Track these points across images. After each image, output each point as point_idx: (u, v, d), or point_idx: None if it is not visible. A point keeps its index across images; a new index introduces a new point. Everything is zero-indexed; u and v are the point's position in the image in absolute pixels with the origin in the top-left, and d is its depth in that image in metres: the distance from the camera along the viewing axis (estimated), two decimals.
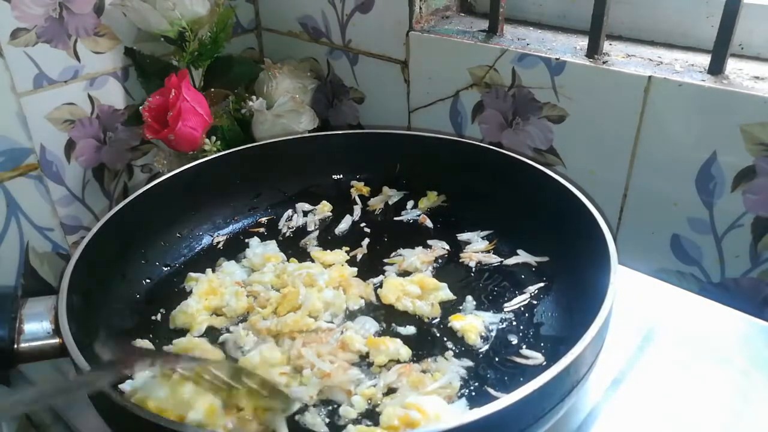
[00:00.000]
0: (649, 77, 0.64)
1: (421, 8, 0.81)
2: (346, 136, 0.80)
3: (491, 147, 0.73)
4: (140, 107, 0.77)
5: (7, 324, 0.49)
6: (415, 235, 0.71)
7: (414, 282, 0.62)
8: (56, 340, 0.48)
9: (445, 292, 0.62)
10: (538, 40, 0.76)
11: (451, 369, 0.53)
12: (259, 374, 0.48)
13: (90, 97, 0.80)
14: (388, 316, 0.60)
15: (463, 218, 0.73)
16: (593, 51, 0.69)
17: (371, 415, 0.50)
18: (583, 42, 0.72)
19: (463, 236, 0.70)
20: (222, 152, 0.74)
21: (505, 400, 0.40)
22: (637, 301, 0.64)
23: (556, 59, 0.69)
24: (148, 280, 0.65)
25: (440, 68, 0.80)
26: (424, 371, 0.53)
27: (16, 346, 0.48)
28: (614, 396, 0.54)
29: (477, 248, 0.68)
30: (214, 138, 0.79)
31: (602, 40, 0.69)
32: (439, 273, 0.65)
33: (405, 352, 0.55)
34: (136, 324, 0.59)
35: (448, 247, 0.69)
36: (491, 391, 0.51)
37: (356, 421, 0.49)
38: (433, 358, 0.55)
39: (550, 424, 0.45)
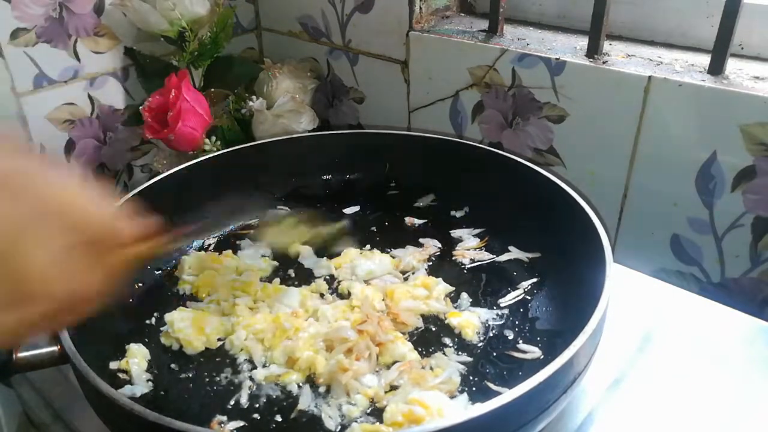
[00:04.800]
0: (649, 77, 0.64)
1: (421, 8, 0.81)
2: (334, 137, 0.80)
3: (479, 144, 0.74)
4: (140, 107, 0.77)
5: None
6: (405, 234, 0.71)
7: (418, 285, 0.62)
8: (54, 348, 0.48)
9: (443, 286, 0.62)
10: (538, 40, 0.76)
11: (450, 364, 0.53)
12: None
13: (90, 97, 0.80)
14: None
15: (453, 216, 0.73)
16: (593, 51, 0.69)
17: (374, 412, 0.50)
18: (583, 42, 0.72)
19: (455, 233, 0.71)
20: (210, 155, 0.74)
21: (511, 394, 0.40)
22: (637, 302, 0.64)
23: (556, 59, 0.69)
24: (140, 284, 0.64)
25: (440, 68, 0.80)
26: (423, 367, 0.54)
27: (14, 356, 0.48)
28: (614, 396, 0.54)
29: (469, 245, 0.69)
30: (214, 138, 0.79)
31: (602, 40, 0.69)
32: (433, 271, 0.65)
33: (414, 357, 0.55)
34: (131, 329, 0.59)
35: (440, 245, 0.69)
36: (491, 385, 0.52)
37: (360, 419, 0.49)
38: (432, 355, 0.55)
39: (552, 417, 0.45)
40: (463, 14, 0.87)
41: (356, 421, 0.49)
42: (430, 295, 0.61)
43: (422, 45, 0.80)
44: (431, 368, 0.53)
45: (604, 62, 0.68)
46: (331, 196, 0.78)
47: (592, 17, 0.69)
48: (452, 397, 0.50)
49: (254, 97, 0.84)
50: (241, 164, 0.75)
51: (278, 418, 0.50)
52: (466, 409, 0.48)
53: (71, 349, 0.46)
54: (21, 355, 0.48)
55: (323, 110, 0.97)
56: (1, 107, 0.72)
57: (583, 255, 0.56)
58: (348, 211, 0.76)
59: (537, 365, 0.53)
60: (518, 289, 0.62)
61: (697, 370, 0.56)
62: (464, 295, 0.62)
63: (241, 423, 0.49)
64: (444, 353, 0.55)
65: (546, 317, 0.59)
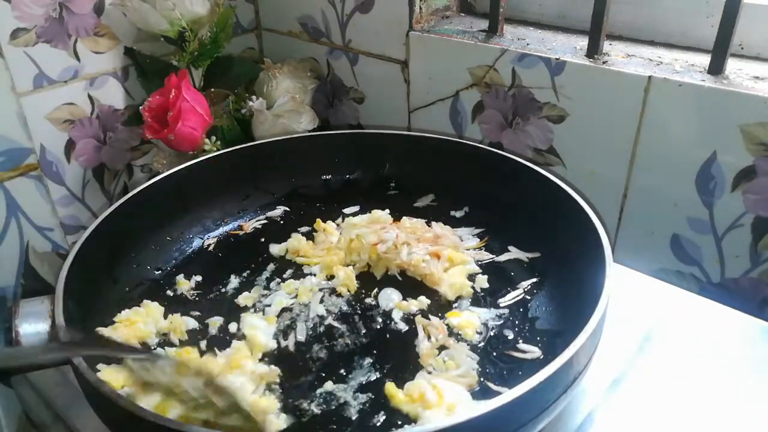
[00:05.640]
0: (649, 77, 0.64)
1: (421, 8, 0.81)
2: (334, 137, 0.80)
3: (479, 144, 0.74)
4: (140, 107, 0.77)
5: (2, 335, 0.48)
6: None
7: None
8: None
9: (471, 266, 0.64)
10: (538, 40, 0.76)
11: (465, 360, 0.53)
12: (227, 390, 0.45)
13: (90, 97, 0.80)
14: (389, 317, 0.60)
15: (453, 216, 0.73)
16: (593, 51, 0.69)
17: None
18: (583, 42, 0.72)
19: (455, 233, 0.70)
20: (210, 155, 0.74)
21: (511, 394, 0.40)
22: (637, 301, 0.64)
23: (556, 59, 0.69)
24: (140, 285, 0.64)
25: (440, 68, 0.80)
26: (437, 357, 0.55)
27: None
28: (614, 396, 0.54)
29: (469, 245, 0.68)
30: (214, 138, 0.79)
31: (602, 40, 0.69)
32: None
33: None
34: None
35: None
36: (491, 385, 0.51)
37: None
38: (446, 350, 0.55)
39: (552, 416, 0.45)
40: (463, 14, 0.87)
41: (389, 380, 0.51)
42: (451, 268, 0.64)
43: (422, 45, 0.80)
44: (444, 361, 0.54)
45: (604, 62, 0.68)
46: (331, 196, 0.78)
47: (592, 17, 0.69)
48: (471, 389, 0.51)
49: (254, 97, 0.84)
50: (241, 164, 0.75)
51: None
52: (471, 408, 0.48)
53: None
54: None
55: (323, 110, 0.97)
56: (1, 107, 0.72)
57: (583, 255, 0.56)
58: (348, 211, 0.76)
59: (537, 365, 0.53)
60: (518, 289, 0.62)
61: (697, 370, 0.56)
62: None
63: None
64: (455, 348, 0.55)
65: (546, 317, 0.59)
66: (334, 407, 0.50)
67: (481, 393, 0.51)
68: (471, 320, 0.58)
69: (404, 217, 0.70)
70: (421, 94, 0.84)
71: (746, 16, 0.62)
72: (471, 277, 0.64)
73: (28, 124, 0.74)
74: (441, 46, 0.78)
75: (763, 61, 0.67)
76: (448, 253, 0.64)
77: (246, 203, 0.76)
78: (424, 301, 0.60)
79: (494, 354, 0.55)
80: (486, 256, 0.67)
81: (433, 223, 0.70)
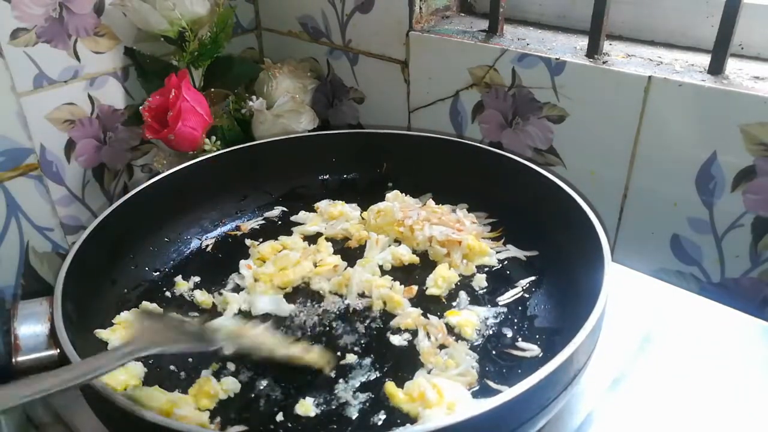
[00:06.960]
0: (649, 77, 0.64)
1: (421, 8, 0.81)
2: (333, 137, 0.80)
3: (479, 144, 0.74)
4: (140, 107, 0.77)
5: (1, 338, 0.48)
6: None
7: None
8: (54, 352, 0.48)
9: (490, 258, 0.65)
10: (538, 40, 0.76)
11: (465, 359, 0.53)
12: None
13: (90, 97, 0.80)
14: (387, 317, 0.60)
15: None
16: (593, 51, 0.69)
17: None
18: (583, 42, 0.72)
19: None
20: (209, 155, 0.74)
21: (510, 392, 0.40)
22: (637, 301, 0.64)
23: (556, 59, 0.69)
24: (138, 286, 0.64)
25: (440, 68, 0.80)
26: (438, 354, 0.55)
27: (13, 360, 0.48)
28: (614, 396, 0.54)
29: (487, 235, 0.69)
30: (214, 138, 0.79)
31: (602, 40, 0.69)
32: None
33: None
34: None
35: None
36: (491, 384, 0.51)
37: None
38: (445, 349, 0.55)
39: (552, 414, 0.45)
40: (463, 14, 0.87)
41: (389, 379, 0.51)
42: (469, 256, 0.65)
43: (422, 45, 0.80)
44: (443, 359, 0.54)
45: (604, 62, 0.68)
46: (329, 196, 0.78)
47: (592, 17, 0.69)
48: (471, 388, 0.51)
49: (254, 97, 0.84)
50: (239, 164, 0.75)
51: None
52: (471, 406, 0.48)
53: (71, 352, 0.46)
54: (20, 359, 0.48)
55: (323, 110, 0.97)
56: (1, 107, 0.72)
57: (581, 253, 0.56)
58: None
59: (536, 363, 0.53)
60: (517, 287, 0.62)
61: (697, 370, 0.56)
62: (463, 294, 0.62)
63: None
64: (454, 347, 0.55)
65: (545, 315, 0.59)
66: (334, 407, 0.50)
67: (481, 391, 0.51)
68: (470, 319, 0.58)
69: (430, 200, 0.72)
70: (421, 94, 0.84)
71: (746, 16, 0.62)
72: (470, 277, 0.64)
73: (28, 124, 0.74)
74: (441, 46, 0.78)
75: (763, 61, 0.67)
76: (468, 243, 0.65)
77: (244, 204, 0.76)
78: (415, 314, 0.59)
79: (494, 352, 0.55)
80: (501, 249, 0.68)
81: (457, 209, 0.71)
